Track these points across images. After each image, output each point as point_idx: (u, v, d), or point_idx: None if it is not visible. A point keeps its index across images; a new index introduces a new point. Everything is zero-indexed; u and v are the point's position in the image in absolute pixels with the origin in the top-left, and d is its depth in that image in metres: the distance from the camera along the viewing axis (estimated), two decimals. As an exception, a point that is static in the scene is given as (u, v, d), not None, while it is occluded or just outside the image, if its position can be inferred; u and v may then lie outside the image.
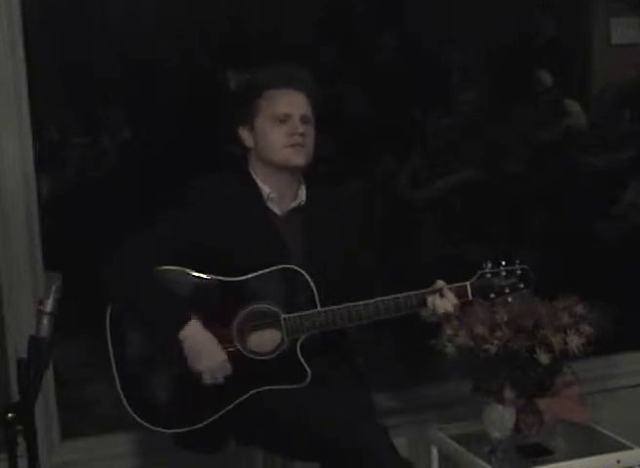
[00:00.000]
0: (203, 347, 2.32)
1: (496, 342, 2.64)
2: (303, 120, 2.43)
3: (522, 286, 2.46)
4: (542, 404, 2.76)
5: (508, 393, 2.70)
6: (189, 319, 2.31)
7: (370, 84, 3.43)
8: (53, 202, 3.06)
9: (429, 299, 2.40)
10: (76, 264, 2.68)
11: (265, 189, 2.45)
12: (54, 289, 1.97)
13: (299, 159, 2.43)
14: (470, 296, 2.45)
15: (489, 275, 2.45)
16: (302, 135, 2.42)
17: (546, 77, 3.73)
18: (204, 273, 2.37)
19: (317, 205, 2.50)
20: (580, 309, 2.72)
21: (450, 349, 2.67)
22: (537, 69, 3.72)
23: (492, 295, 2.46)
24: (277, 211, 2.47)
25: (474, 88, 3.67)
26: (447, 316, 2.45)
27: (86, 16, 3.10)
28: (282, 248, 2.43)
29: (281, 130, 2.41)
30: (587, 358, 2.72)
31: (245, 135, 2.47)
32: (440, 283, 2.43)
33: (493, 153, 3.67)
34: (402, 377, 3.40)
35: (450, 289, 2.43)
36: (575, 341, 2.65)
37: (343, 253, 2.47)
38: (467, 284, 2.44)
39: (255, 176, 2.47)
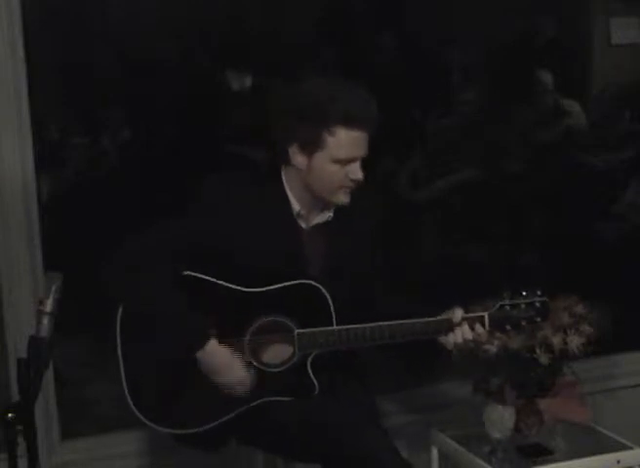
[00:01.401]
0: (222, 366, 2.31)
1: (496, 342, 2.64)
2: (362, 161, 2.36)
3: (539, 319, 2.42)
4: (542, 404, 2.76)
5: (508, 393, 2.70)
6: (208, 339, 2.29)
7: (370, 84, 3.42)
8: (53, 202, 3.05)
9: (456, 333, 2.38)
10: (76, 264, 2.68)
11: (296, 206, 2.39)
12: (54, 289, 1.97)
13: (346, 199, 2.36)
14: (487, 327, 2.41)
15: (508, 307, 2.41)
16: (360, 181, 2.34)
17: (546, 77, 3.73)
18: (220, 279, 2.34)
19: (342, 220, 2.44)
20: (579, 309, 2.73)
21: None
22: (537, 69, 3.72)
23: (508, 327, 2.43)
24: (303, 224, 2.42)
25: (474, 88, 3.67)
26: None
27: (86, 16, 3.10)
28: (304, 260, 2.39)
29: (341, 171, 2.31)
30: (587, 358, 2.72)
31: (298, 158, 2.33)
32: (458, 313, 2.39)
33: (493, 153, 3.66)
34: (402, 378, 3.40)
35: (467, 318, 2.39)
36: (575, 341, 2.65)
37: (363, 266, 2.44)
38: (486, 315, 2.40)
39: (288, 192, 2.39)
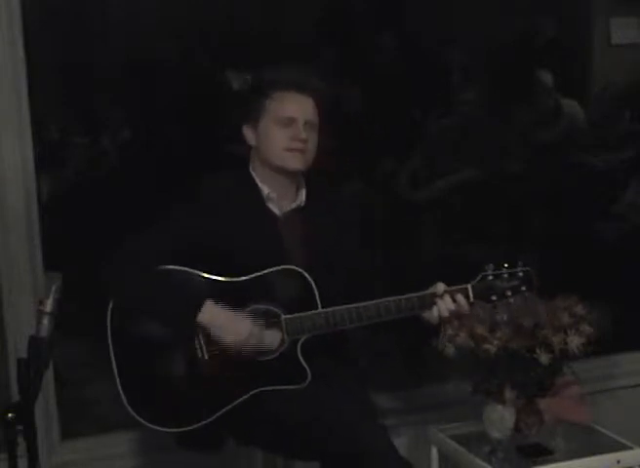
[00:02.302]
0: (226, 321, 2.32)
1: (496, 342, 2.64)
2: (307, 126, 2.43)
3: (524, 288, 2.47)
4: (542, 404, 2.76)
5: (508, 393, 2.69)
6: (203, 302, 2.31)
7: (370, 84, 3.43)
8: (53, 202, 3.05)
9: (436, 306, 2.41)
10: (76, 264, 2.68)
11: (265, 189, 2.46)
12: (54, 289, 1.97)
13: (296, 164, 2.43)
14: (472, 299, 2.45)
15: (491, 277, 2.46)
16: (304, 141, 2.42)
17: (546, 77, 3.73)
18: (204, 273, 2.37)
19: (317, 206, 2.50)
20: (579, 309, 2.72)
21: (450, 349, 2.67)
22: (537, 69, 3.72)
23: (493, 298, 2.47)
24: (277, 211, 2.47)
25: (474, 88, 3.67)
26: (450, 318, 2.46)
27: (86, 16, 3.10)
28: (281, 248, 2.43)
29: (284, 133, 2.42)
30: (587, 358, 2.72)
31: (249, 133, 2.48)
32: (440, 286, 2.43)
33: (493, 153, 3.66)
34: (402, 378, 3.40)
35: (451, 291, 2.43)
36: (575, 341, 2.65)
37: (343, 253, 2.47)
38: (469, 286, 2.45)
39: (254, 176, 2.48)
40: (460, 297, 2.43)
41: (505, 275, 2.46)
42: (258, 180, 2.47)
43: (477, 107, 3.66)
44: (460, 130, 3.62)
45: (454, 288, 2.44)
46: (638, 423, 3.24)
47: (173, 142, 3.24)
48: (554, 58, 3.74)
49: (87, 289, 2.42)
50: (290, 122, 2.42)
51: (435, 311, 2.42)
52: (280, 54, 3.22)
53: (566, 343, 2.65)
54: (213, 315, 2.31)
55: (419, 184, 3.60)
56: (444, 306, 2.42)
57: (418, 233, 3.63)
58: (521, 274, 2.47)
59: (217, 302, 2.34)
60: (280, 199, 2.47)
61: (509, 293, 2.47)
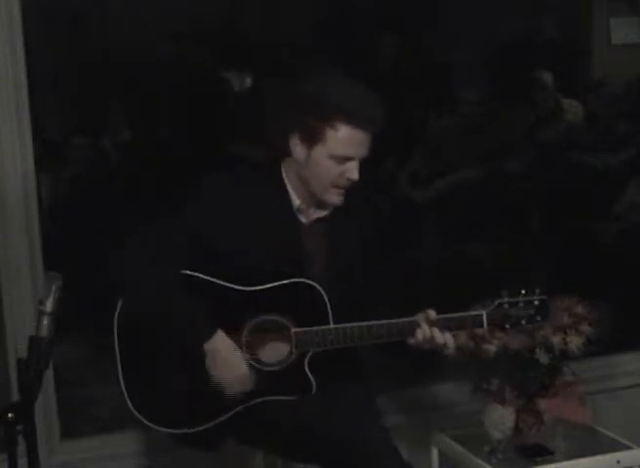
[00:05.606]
0: (229, 359, 2.29)
1: (495, 342, 2.64)
2: (361, 162, 2.33)
3: (539, 318, 2.38)
4: (542, 404, 2.76)
5: (508, 393, 2.70)
6: (216, 330, 2.29)
7: (370, 84, 3.43)
8: (53, 202, 3.06)
9: (421, 331, 2.32)
10: (76, 264, 2.68)
11: (295, 200, 2.38)
12: (54, 289, 1.97)
13: (337, 201, 2.34)
14: (485, 326, 2.38)
15: (506, 305, 2.37)
16: (354, 181, 2.32)
17: (546, 77, 3.73)
18: (220, 279, 2.33)
19: (340, 216, 2.42)
20: (579, 309, 2.73)
21: (450, 349, 2.67)
22: (537, 69, 3.72)
23: (507, 326, 2.39)
24: (303, 219, 2.41)
25: (474, 88, 3.67)
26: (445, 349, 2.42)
27: (86, 16, 3.10)
28: (305, 257, 2.38)
29: (337, 168, 2.30)
30: (587, 358, 2.72)
31: (298, 148, 2.31)
32: (432, 314, 2.35)
33: (493, 153, 3.66)
34: (402, 378, 3.40)
35: (465, 317, 2.37)
36: (575, 341, 2.65)
37: (361, 266, 2.41)
38: (484, 313, 2.36)
39: (287, 184, 2.38)
40: (437, 333, 2.32)
41: (521, 304, 2.37)
42: (291, 191, 2.37)
43: (477, 107, 3.66)
44: (460, 130, 3.62)
45: (468, 313, 2.37)
46: (638, 423, 3.24)
47: (173, 143, 3.24)
48: (554, 58, 3.74)
49: (87, 289, 2.42)
50: (346, 160, 2.30)
51: (424, 335, 2.33)
52: (280, 54, 3.22)
53: (566, 343, 2.65)
54: (217, 348, 2.28)
55: (419, 184, 3.59)
56: (421, 336, 2.33)
57: (417, 233, 3.62)
58: (537, 303, 2.37)
59: (225, 314, 2.30)
60: (308, 208, 2.40)
61: (524, 322, 2.38)
